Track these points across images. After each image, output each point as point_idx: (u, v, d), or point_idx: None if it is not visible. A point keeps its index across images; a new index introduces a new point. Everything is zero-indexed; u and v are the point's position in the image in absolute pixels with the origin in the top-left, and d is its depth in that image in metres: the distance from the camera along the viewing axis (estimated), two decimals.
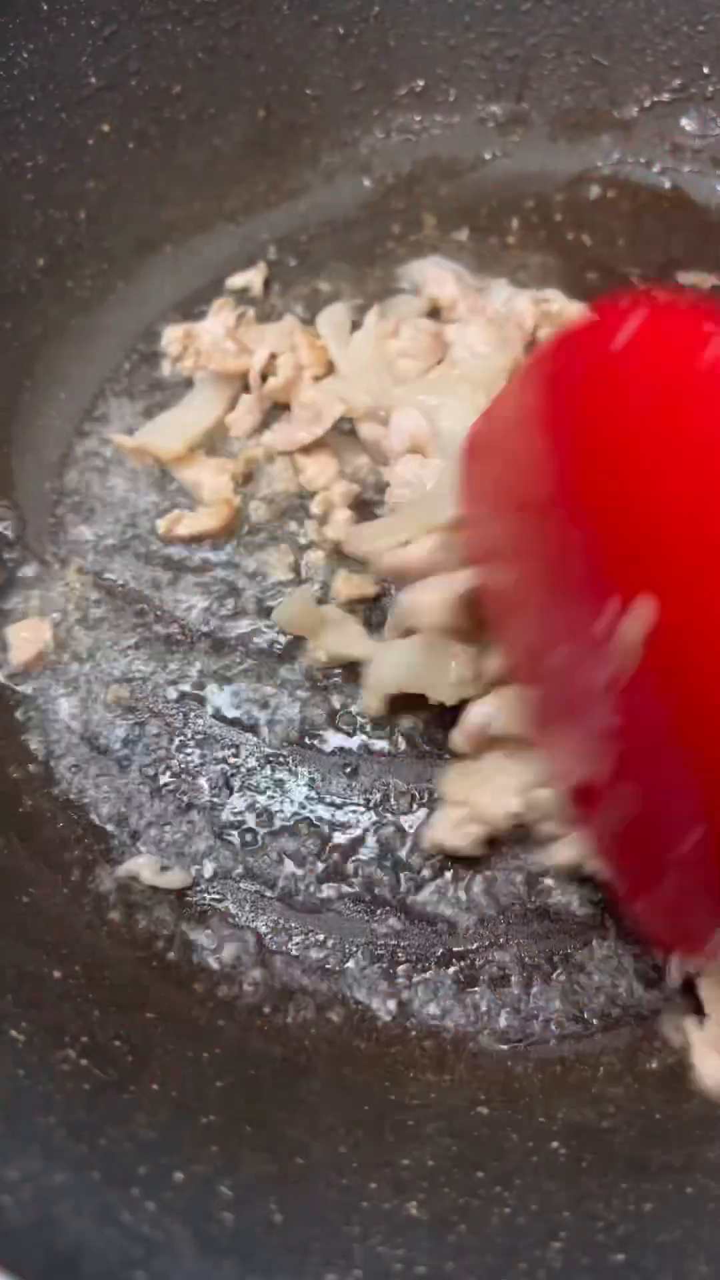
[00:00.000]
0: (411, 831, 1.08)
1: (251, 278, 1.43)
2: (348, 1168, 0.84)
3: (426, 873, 1.07)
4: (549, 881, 1.05)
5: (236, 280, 1.44)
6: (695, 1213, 0.80)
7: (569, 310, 1.28)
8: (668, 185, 1.50)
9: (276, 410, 1.31)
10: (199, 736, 1.14)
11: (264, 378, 1.29)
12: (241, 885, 1.07)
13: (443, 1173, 0.85)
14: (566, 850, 1.00)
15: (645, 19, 1.46)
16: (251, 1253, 0.70)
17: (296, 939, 1.05)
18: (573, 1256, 0.76)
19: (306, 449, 1.26)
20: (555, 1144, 0.90)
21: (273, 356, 1.28)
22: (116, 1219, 0.68)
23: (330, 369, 1.30)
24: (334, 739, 1.13)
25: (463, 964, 1.03)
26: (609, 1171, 0.86)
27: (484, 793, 1.02)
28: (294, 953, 1.04)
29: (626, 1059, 0.98)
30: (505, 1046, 0.99)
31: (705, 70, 1.47)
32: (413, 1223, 0.78)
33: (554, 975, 1.01)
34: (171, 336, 1.36)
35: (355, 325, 1.34)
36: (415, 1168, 0.86)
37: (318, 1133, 0.88)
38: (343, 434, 1.27)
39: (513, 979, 1.01)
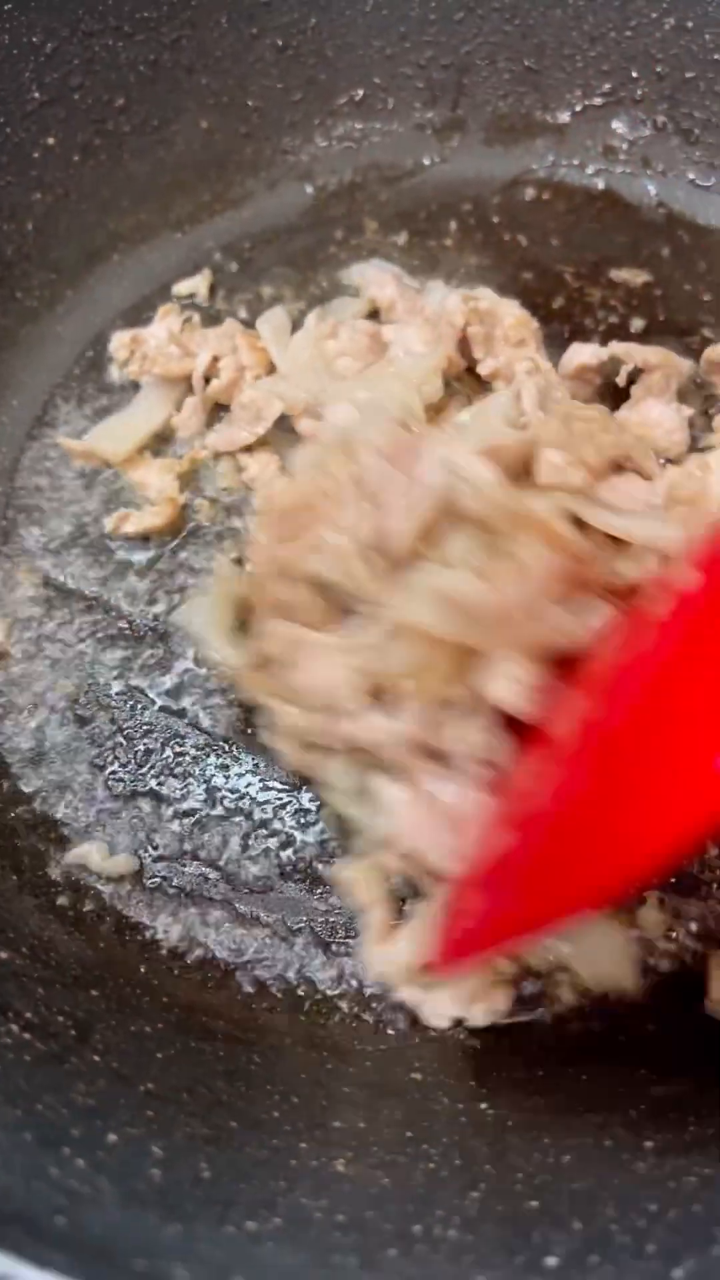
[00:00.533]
0: None
1: (197, 284, 1.48)
2: (280, 1130, 0.87)
3: None
4: None
5: (182, 287, 1.48)
6: (610, 1162, 0.84)
7: (500, 308, 1.32)
8: (601, 186, 1.55)
9: (221, 411, 1.35)
10: (145, 727, 1.18)
11: (207, 380, 1.33)
12: (187, 868, 1.11)
13: (372, 1133, 0.89)
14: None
15: (574, 26, 1.51)
16: (175, 1205, 0.73)
17: (241, 918, 1.08)
18: (488, 1204, 0.79)
19: (249, 447, 1.30)
20: (484, 1105, 0.93)
21: (215, 359, 1.33)
22: (45, 1174, 0.72)
23: (271, 370, 1.34)
24: None
25: None
26: (533, 1128, 0.90)
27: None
28: (238, 931, 1.08)
29: (556, 1026, 1.01)
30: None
31: (634, 74, 1.52)
32: (338, 1177, 0.82)
33: None
34: (119, 342, 1.40)
35: (297, 328, 1.39)
36: (345, 1129, 0.89)
37: (254, 1099, 0.91)
38: (284, 432, 1.31)
39: None
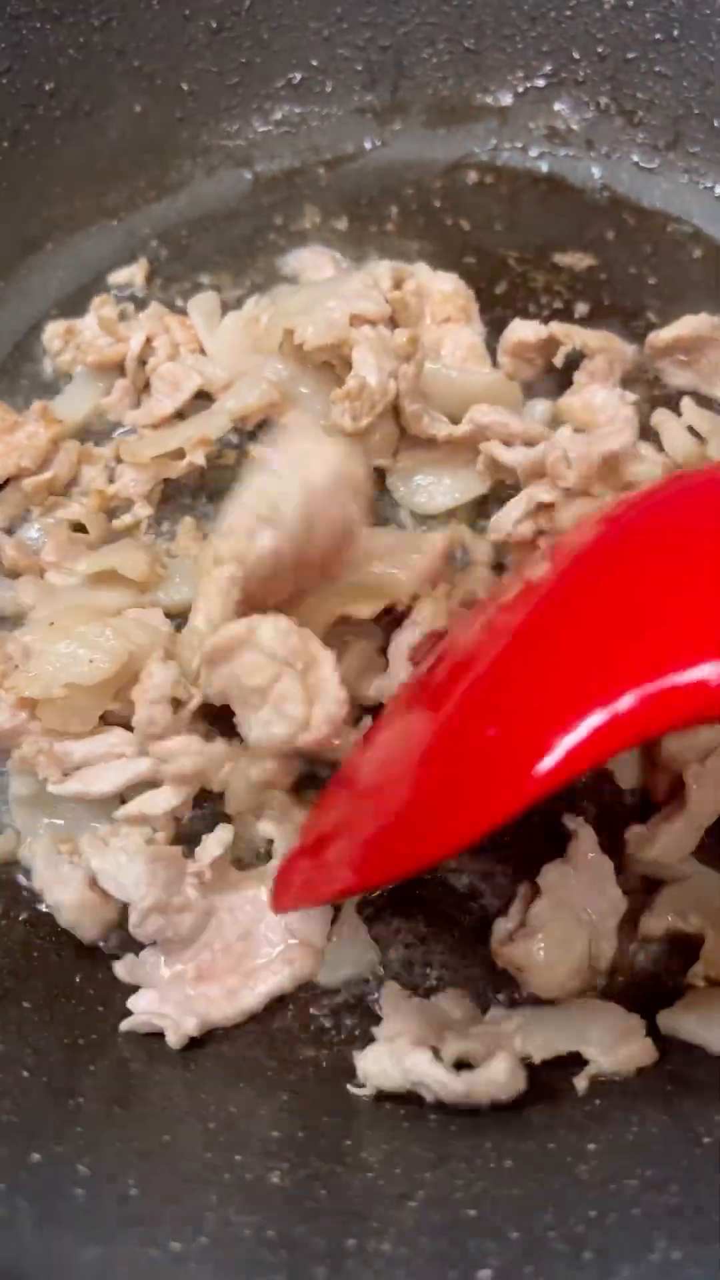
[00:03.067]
0: None
1: (133, 273, 1.44)
2: (214, 1142, 0.85)
3: None
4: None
5: (118, 276, 1.45)
6: (551, 1166, 0.82)
7: (433, 283, 1.30)
8: (544, 169, 1.52)
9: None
10: None
11: (144, 362, 1.30)
12: None
13: (310, 1143, 0.86)
14: None
15: (514, 6, 1.48)
16: (96, 1225, 0.71)
17: None
18: (425, 1215, 0.77)
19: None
20: (429, 1110, 0.91)
21: (149, 339, 1.29)
22: None
23: (203, 352, 1.31)
24: None
25: None
26: (477, 1133, 0.88)
27: None
28: None
29: None
30: None
31: (575, 55, 1.49)
32: (272, 1191, 0.79)
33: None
34: (52, 333, 1.37)
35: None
36: (283, 1139, 0.87)
37: (189, 1110, 0.89)
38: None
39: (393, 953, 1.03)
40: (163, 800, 1.00)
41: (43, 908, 1.04)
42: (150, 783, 1.04)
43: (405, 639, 1.06)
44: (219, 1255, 0.71)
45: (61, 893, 0.99)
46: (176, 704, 1.02)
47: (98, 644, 1.02)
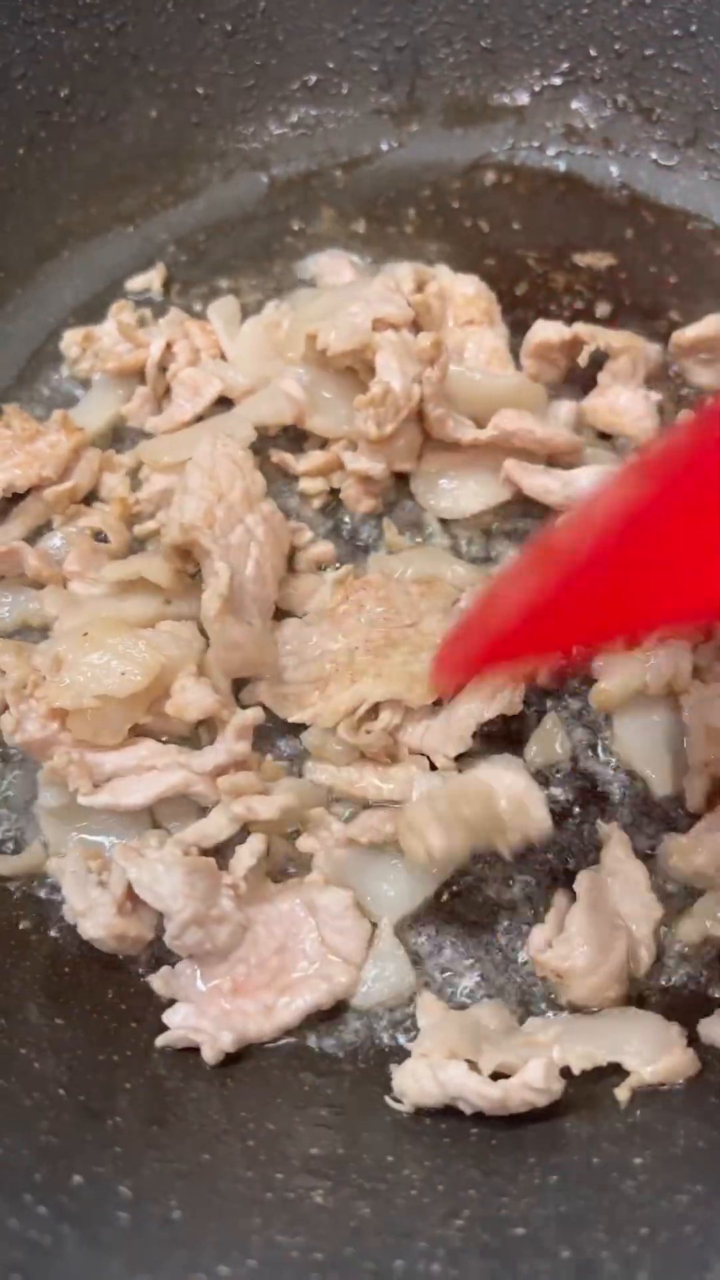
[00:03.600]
0: None
1: (150, 279, 1.43)
2: (255, 1160, 0.84)
3: None
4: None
5: (135, 282, 1.44)
6: (598, 1182, 0.81)
7: (456, 285, 1.29)
8: (562, 168, 1.51)
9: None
10: None
11: (164, 369, 1.28)
12: None
13: (352, 1160, 0.85)
14: None
15: (530, 4, 1.47)
16: (142, 1250, 0.70)
17: None
18: (473, 1233, 0.76)
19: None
20: (469, 1125, 0.90)
21: (169, 345, 1.28)
22: (2, 1227, 0.68)
23: (223, 357, 1.30)
24: None
25: None
26: (519, 1147, 0.87)
27: None
28: None
29: None
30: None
31: (592, 53, 1.48)
32: (316, 1210, 0.78)
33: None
34: (70, 340, 1.36)
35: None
36: (324, 1156, 0.85)
37: (228, 1128, 0.88)
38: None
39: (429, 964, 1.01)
40: (219, 830, 1.00)
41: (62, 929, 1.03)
42: (181, 794, 1.03)
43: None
44: (267, 1278, 0.69)
45: (91, 925, 0.97)
46: (214, 723, 1.02)
47: (130, 656, 1.01)
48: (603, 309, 1.39)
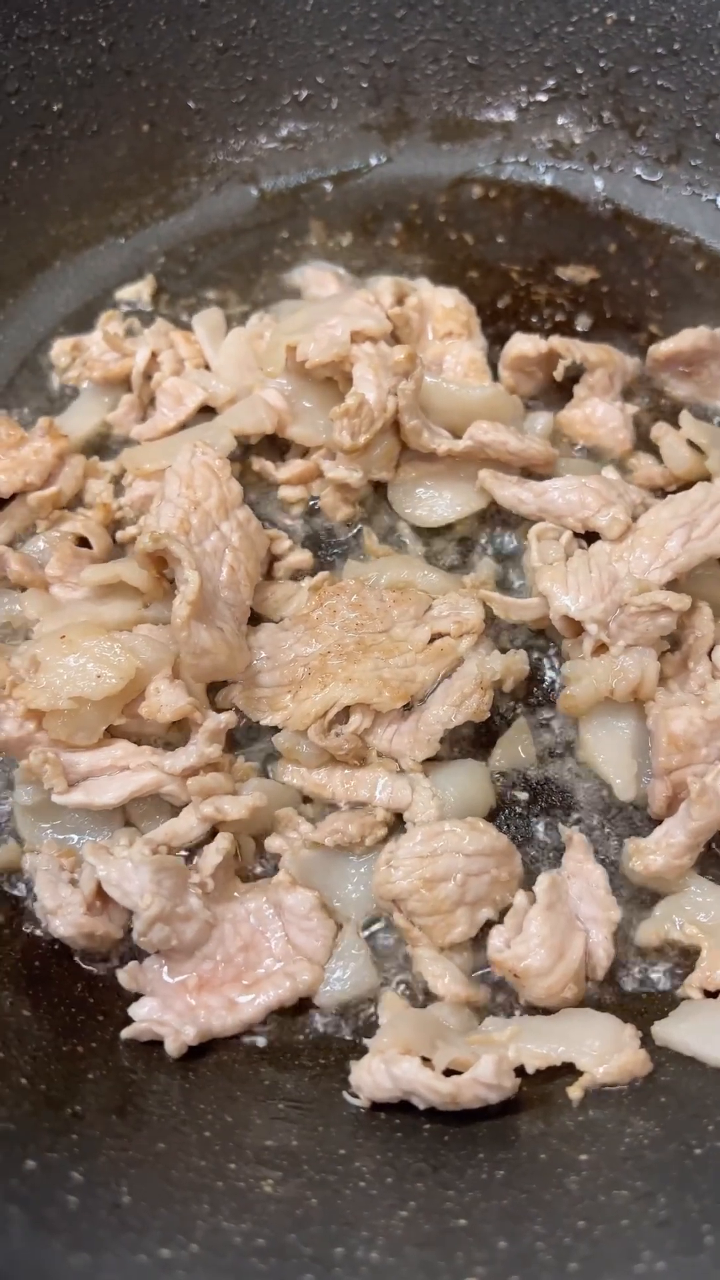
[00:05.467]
0: None
1: (140, 290, 1.46)
2: (209, 1150, 0.86)
3: None
4: None
5: (126, 293, 1.47)
6: (542, 1177, 0.82)
7: (436, 298, 1.31)
8: (548, 183, 1.54)
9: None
10: None
11: (149, 377, 1.31)
12: None
13: (304, 1152, 0.87)
14: None
15: (516, 21, 1.50)
16: (87, 1232, 0.72)
17: None
18: (415, 1224, 0.78)
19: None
20: (423, 1120, 0.91)
21: (154, 354, 1.31)
22: None
23: (207, 366, 1.33)
24: None
25: None
26: (471, 1143, 0.88)
27: None
28: None
29: None
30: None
31: (578, 70, 1.51)
32: (264, 1199, 0.80)
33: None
34: (60, 349, 1.39)
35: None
36: (279, 1148, 0.87)
37: (186, 1118, 0.90)
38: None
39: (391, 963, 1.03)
40: (188, 830, 1.02)
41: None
42: (153, 794, 1.05)
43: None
44: (207, 1262, 0.72)
45: (61, 923, 0.99)
46: (188, 724, 1.05)
47: (105, 659, 1.03)
48: (584, 321, 1.41)
